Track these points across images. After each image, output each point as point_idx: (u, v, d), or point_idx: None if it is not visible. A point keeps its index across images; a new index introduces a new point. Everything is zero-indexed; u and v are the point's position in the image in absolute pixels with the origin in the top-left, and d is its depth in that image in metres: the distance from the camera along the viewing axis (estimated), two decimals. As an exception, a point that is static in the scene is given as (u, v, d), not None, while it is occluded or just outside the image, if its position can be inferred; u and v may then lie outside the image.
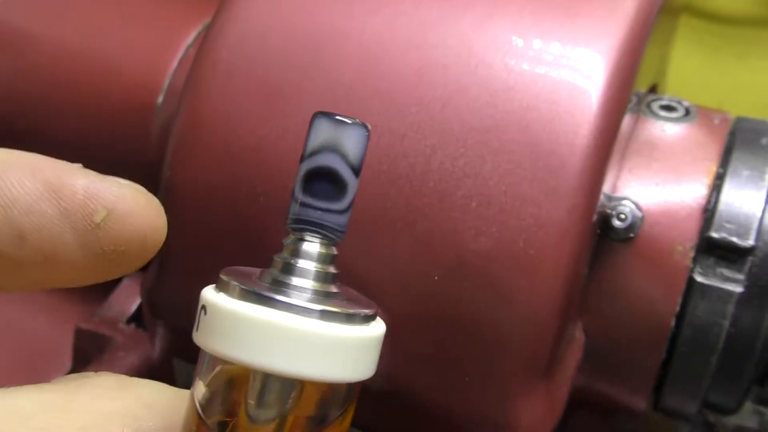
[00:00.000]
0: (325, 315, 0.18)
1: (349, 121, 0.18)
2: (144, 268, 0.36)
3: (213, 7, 0.40)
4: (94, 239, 0.19)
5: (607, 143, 0.28)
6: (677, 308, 0.31)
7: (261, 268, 0.20)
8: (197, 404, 0.19)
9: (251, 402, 0.18)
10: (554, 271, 0.27)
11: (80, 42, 0.41)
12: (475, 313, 0.28)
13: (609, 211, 0.31)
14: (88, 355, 0.39)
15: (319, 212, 0.18)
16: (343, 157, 0.18)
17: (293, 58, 0.30)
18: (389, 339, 0.29)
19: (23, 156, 0.19)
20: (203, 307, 0.18)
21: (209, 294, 0.18)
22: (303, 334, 0.17)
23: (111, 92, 0.39)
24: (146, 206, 0.21)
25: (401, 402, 0.30)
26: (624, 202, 0.31)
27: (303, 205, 0.18)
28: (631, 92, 0.30)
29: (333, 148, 0.18)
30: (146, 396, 0.20)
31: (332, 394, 0.19)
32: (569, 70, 0.28)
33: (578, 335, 0.32)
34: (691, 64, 0.59)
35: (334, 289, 0.19)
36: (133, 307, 0.41)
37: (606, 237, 0.31)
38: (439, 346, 0.29)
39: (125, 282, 0.42)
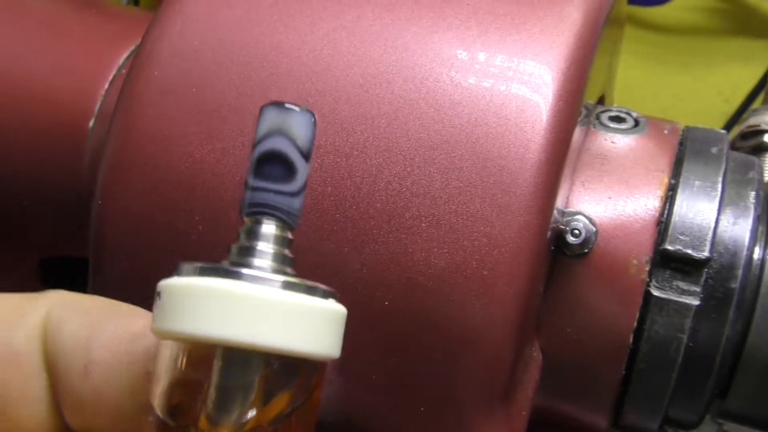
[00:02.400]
0: (289, 285, 0.17)
1: (295, 108, 0.18)
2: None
3: (145, 27, 0.38)
4: (143, 390, 0.20)
5: (559, 157, 0.27)
6: (635, 323, 0.30)
7: None
8: (155, 404, 0.18)
9: (214, 387, 0.17)
10: (509, 292, 0.26)
11: (4, 62, 0.38)
12: (428, 337, 0.27)
13: (562, 226, 0.30)
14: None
15: (272, 194, 0.18)
16: (291, 140, 0.18)
17: (230, 75, 0.29)
18: (340, 368, 0.28)
19: (136, 309, 0.22)
20: (159, 293, 0.18)
21: (166, 280, 0.18)
22: (268, 301, 0.17)
23: (38, 116, 0.37)
24: None
25: (355, 434, 0.28)
26: (577, 217, 0.30)
27: (256, 189, 0.18)
28: (581, 104, 0.29)
29: (281, 132, 0.18)
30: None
31: (296, 372, 0.18)
32: (517, 83, 0.27)
33: (536, 354, 0.31)
34: (636, 74, 0.59)
35: (290, 271, 0.19)
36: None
37: (560, 253, 0.30)
38: (393, 373, 0.27)
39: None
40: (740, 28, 0.59)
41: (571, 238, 0.30)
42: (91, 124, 0.37)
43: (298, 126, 0.18)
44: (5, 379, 0.20)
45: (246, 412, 0.17)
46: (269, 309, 0.17)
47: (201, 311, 0.17)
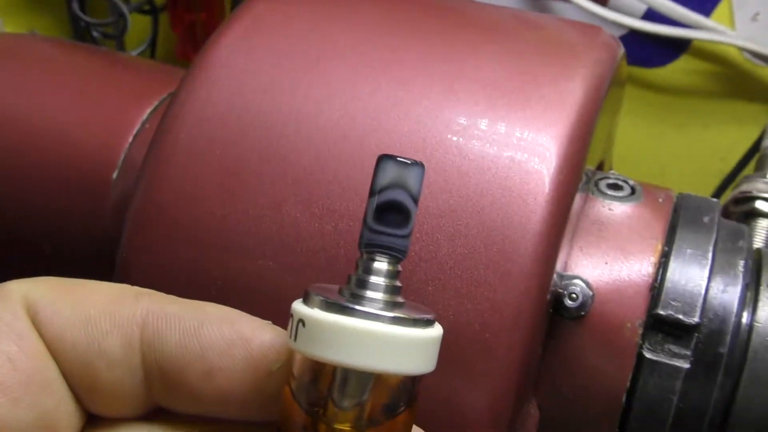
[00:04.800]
0: (395, 320, 0.21)
1: (410, 162, 0.22)
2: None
3: (168, 83, 0.40)
4: (268, 384, 0.22)
5: (559, 227, 0.29)
6: (628, 384, 0.32)
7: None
8: (293, 393, 0.22)
9: (337, 394, 0.21)
10: (509, 354, 0.28)
11: (34, 115, 0.40)
12: (432, 395, 0.28)
13: (561, 290, 0.31)
14: None
15: (387, 237, 0.22)
16: (408, 192, 0.22)
17: (251, 140, 0.31)
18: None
19: (224, 309, 0.23)
20: (300, 320, 0.22)
21: (301, 308, 0.22)
22: (378, 335, 0.21)
23: (65, 167, 0.39)
24: None
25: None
26: (575, 281, 0.32)
27: (374, 231, 0.22)
28: (582, 175, 0.31)
29: (399, 185, 0.22)
30: None
31: (400, 386, 0.22)
32: (521, 156, 0.29)
33: (533, 411, 0.32)
34: (635, 132, 0.62)
35: (400, 299, 0.22)
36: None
37: (558, 314, 0.32)
38: (397, 428, 0.29)
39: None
40: (736, 91, 0.61)
41: (568, 302, 0.31)
42: (114, 175, 0.39)
43: (413, 178, 0.22)
44: (96, 373, 0.22)
45: (364, 408, 0.22)
46: (379, 341, 0.21)
47: (332, 342, 0.21)
